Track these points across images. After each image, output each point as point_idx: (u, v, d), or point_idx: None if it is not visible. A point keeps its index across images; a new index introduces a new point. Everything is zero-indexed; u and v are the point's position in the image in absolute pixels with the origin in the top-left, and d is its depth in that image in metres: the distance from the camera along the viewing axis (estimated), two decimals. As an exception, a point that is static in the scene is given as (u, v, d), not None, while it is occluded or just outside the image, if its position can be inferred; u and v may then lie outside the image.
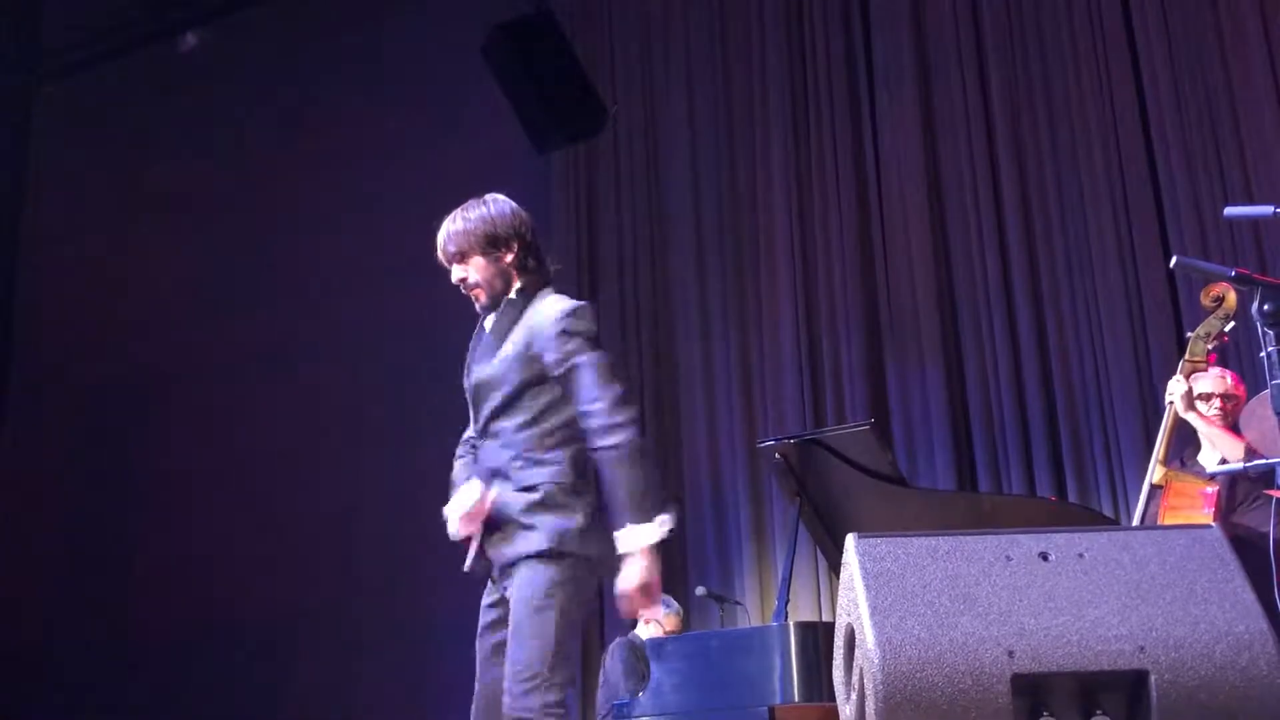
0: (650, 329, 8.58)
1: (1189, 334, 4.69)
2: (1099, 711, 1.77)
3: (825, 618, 7.09)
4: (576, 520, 3.22)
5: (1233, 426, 4.63)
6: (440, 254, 3.51)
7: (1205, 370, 4.61)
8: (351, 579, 8.01)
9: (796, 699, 4.86)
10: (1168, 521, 4.34)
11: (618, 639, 6.47)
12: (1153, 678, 1.74)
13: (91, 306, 8.89)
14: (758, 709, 4.93)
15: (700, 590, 6.83)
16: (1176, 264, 3.17)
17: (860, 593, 1.84)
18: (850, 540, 1.91)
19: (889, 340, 7.73)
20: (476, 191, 3.52)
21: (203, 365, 8.75)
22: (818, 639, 4.92)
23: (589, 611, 3.52)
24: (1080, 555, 1.87)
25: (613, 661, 6.22)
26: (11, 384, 8.81)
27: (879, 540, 1.90)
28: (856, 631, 1.85)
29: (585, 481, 3.28)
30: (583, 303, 3.43)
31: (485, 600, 3.36)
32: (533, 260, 3.49)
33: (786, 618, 5.13)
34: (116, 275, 8.92)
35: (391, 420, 7.95)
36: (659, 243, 8.70)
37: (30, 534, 8.59)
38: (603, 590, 3.38)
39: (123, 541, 8.58)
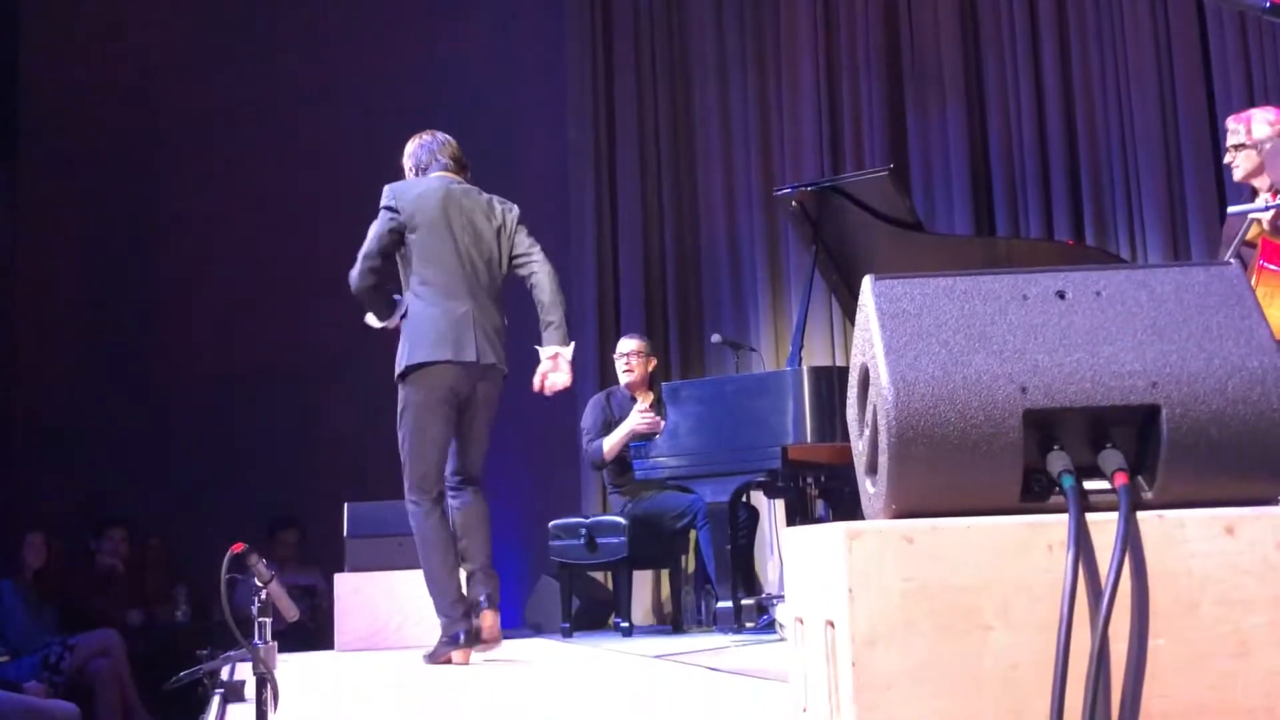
0: (667, 75, 8.41)
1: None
2: (1109, 445, 1.79)
3: (839, 363, 7.19)
4: None
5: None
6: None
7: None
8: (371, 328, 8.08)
9: (809, 439, 4.99)
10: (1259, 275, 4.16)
11: (601, 391, 6.62)
12: (1164, 412, 1.76)
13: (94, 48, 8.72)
14: (771, 449, 5.06)
15: (716, 337, 6.90)
16: (1209, -4, 3.05)
17: (875, 332, 1.84)
18: (866, 282, 1.90)
19: (910, 82, 7.57)
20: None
21: (209, 120, 8.63)
22: (831, 382, 5.01)
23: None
24: (1097, 293, 1.86)
25: (584, 418, 6.38)
26: (21, 124, 8.72)
27: (895, 281, 1.89)
28: (871, 370, 1.86)
29: None
30: None
31: None
32: None
33: (800, 362, 5.21)
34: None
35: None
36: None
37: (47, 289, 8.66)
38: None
39: (146, 284, 8.64)
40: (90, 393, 8.33)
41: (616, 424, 6.11)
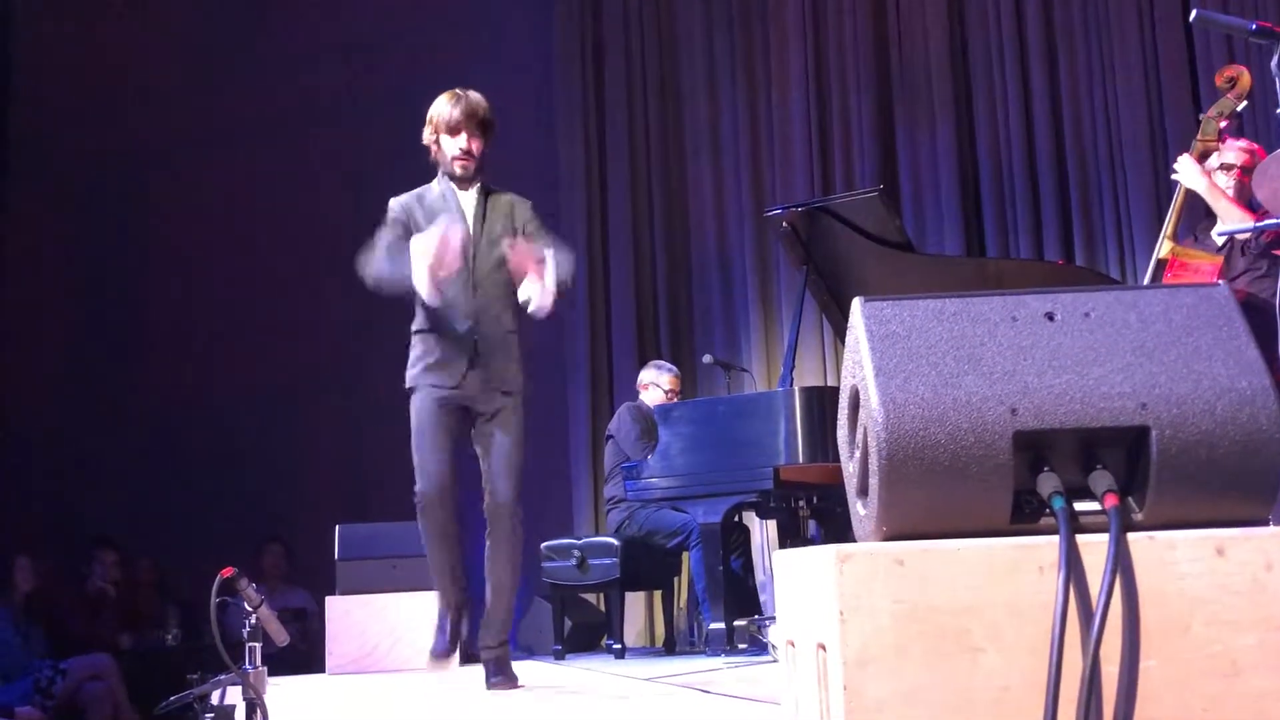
0: (657, 94, 8.43)
1: (1201, 115, 4.62)
2: (1099, 466, 1.79)
3: (830, 383, 7.20)
4: None
5: (1247, 201, 4.58)
6: (470, 114, 4.08)
7: (1218, 149, 4.56)
8: (364, 346, 8.07)
9: (800, 460, 4.98)
10: None
11: (625, 403, 6.58)
12: (1154, 433, 1.76)
13: (87, 81, 8.72)
14: (763, 469, 5.05)
15: (707, 358, 6.91)
16: (1196, 18, 3.09)
17: (865, 354, 1.84)
18: (856, 304, 1.90)
19: (900, 101, 7.60)
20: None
21: (199, 136, 8.64)
22: (823, 402, 5.01)
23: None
24: (1086, 315, 1.86)
25: (620, 424, 6.34)
26: (9, 154, 8.72)
27: (885, 303, 1.89)
28: (861, 392, 1.86)
29: None
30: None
31: None
32: None
33: (792, 383, 5.21)
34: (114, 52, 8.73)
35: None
36: (665, 2, 8.48)
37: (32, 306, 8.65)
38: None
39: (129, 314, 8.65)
40: (78, 413, 8.31)
41: (653, 432, 6.01)
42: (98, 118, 8.61)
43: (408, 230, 4.15)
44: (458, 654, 4.20)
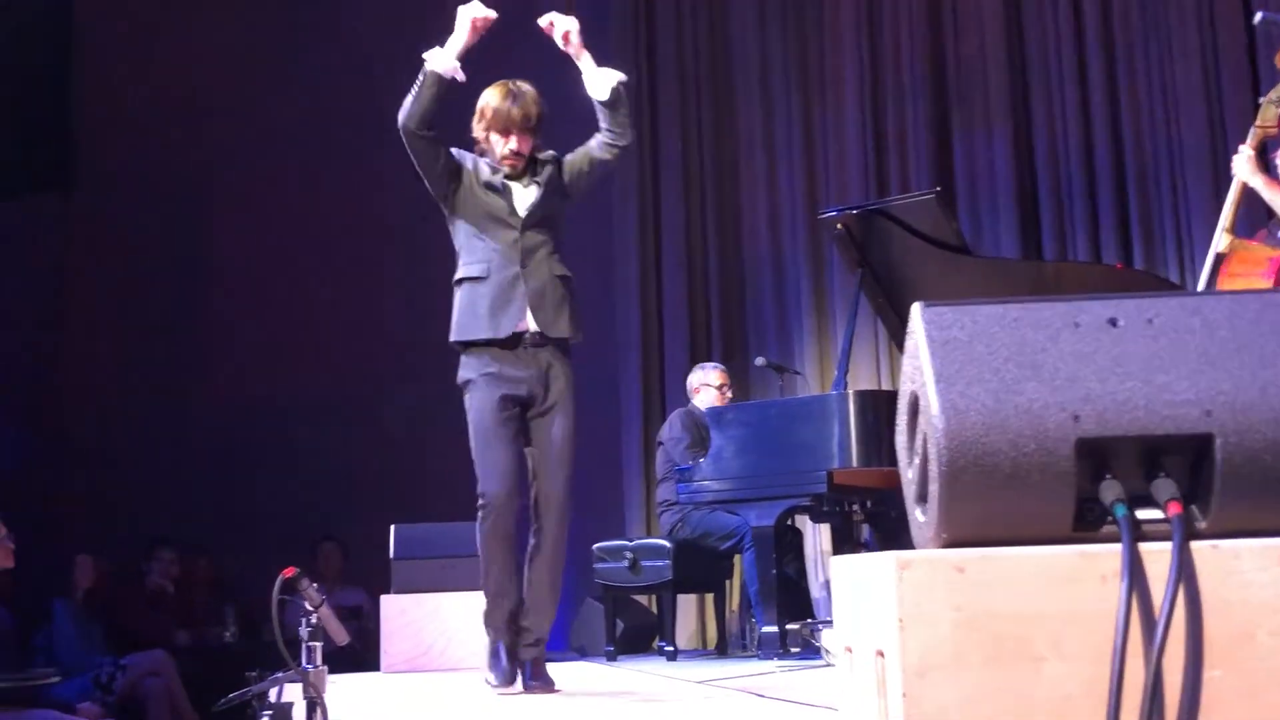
0: (710, 95, 8.43)
1: (1262, 99, 4.53)
2: (1162, 474, 1.77)
3: (884, 386, 7.16)
4: None
5: None
6: (524, 117, 4.04)
7: (1275, 134, 4.47)
8: (416, 348, 8.13)
9: (855, 464, 4.96)
10: (1226, 288, 4.30)
11: (677, 409, 6.59)
12: (1218, 441, 1.74)
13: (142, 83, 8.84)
14: (816, 473, 5.04)
15: (760, 361, 6.89)
16: (1260, 21, 3.05)
17: (925, 360, 1.83)
18: (916, 309, 1.89)
19: (955, 103, 7.55)
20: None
21: (259, 144, 8.73)
22: (877, 406, 4.99)
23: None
24: (1149, 321, 1.84)
25: (670, 431, 6.34)
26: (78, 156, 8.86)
27: (945, 308, 1.88)
28: (921, 398, 1.85)
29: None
30: None
31: None
32: None
33: (846, 386, 5.19)
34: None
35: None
36: (718, 4, 8.48)
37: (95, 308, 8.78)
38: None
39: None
40: (138, 415, 8.43)
41: (704, 441, 5.91)
42: (157, 127, 8.73)
43: (446, 156, 4.09)
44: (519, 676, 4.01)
